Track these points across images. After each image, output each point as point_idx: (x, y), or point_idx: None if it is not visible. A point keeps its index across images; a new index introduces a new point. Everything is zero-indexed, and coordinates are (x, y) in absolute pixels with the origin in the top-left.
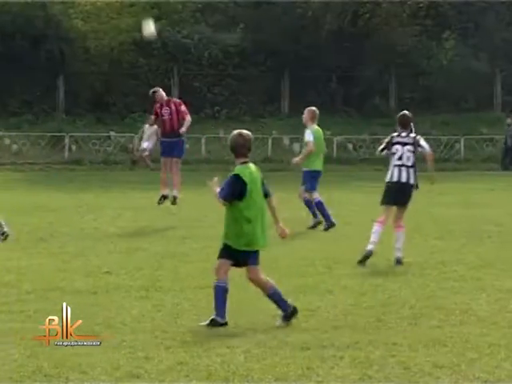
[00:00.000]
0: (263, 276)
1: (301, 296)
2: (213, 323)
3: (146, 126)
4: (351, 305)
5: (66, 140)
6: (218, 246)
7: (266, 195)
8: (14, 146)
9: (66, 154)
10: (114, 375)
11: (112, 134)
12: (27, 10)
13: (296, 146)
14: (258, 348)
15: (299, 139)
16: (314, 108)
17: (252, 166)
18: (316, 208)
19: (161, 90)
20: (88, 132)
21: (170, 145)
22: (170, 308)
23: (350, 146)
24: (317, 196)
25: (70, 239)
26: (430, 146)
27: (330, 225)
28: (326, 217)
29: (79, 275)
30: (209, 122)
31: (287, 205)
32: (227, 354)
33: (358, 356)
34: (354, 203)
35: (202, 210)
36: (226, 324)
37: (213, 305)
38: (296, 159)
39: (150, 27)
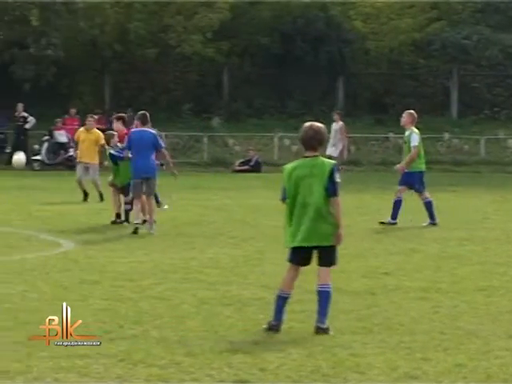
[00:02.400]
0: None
1: None
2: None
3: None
4: None
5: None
6: (497, 249)
7: (329, 195)
8: (294, 147)
9: (345, 154)
10: (391, 376)
11: (391, 135)
12: (308, 12)
13: None
14: None
15: None
16: (413, 111)
17: (314, 160)
18: (426, 207)
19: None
20: (367, 133)
21: None
22: (448, 310)
23: None
24: (427, 196)
25: (350, 240)
26: None
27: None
28: (431, 216)
29: (358, 275)
30: (488, 123)
31: None
32: (506, 357)
33: None
34: None
35: (482, 211)
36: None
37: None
38: (398, 166)
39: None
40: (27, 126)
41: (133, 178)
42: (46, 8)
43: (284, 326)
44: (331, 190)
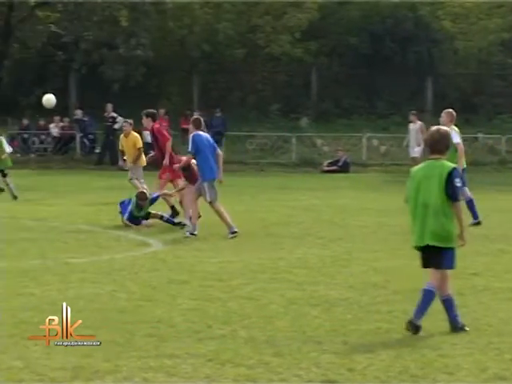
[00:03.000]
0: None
1: None
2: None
3: (411, 125)
4: None
5: None
6: None
7: (451, 199)
8: (382, 148)
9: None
10: (480, 377)
11: (480, 135)
12: (397, 12)
13: None
14: None
15: None
16: (451, 110)
17: (436, 162)
18: (468, 205)
19: None
20: None
21: None
22: None
23: None
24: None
25: None
26: None
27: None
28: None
29: None
30: None
31: None
32: None
33: None
34: None
35: None
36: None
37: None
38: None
39: (50, 101)
40: (116, 126)
41: (209, 180)
42: (135, 8)
43: (371, 327)
44: (452, 194)
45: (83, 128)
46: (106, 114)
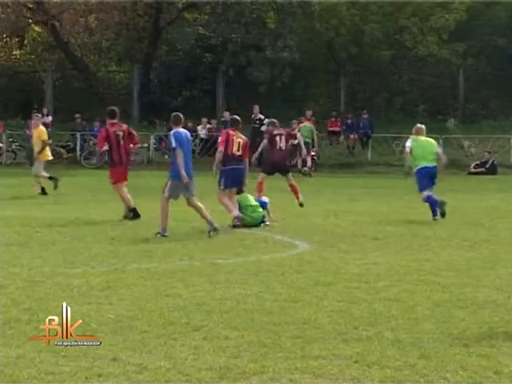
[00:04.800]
0: None
1: None
2: None
3: None
4: None
5: None
6: None
7: None
8: None
9: None
10: None
11: None
12: None
13: None
14: None
15: None
16: (417, 125)
17: None
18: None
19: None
20: None
21: None
22: None
23: None
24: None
25: None
26: None
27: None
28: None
29: None
30: None
31: None
32: None
33: None
34: None
35: None
36: None
37: None
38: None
39: None
40: (263, 128)
41: (178, 179)
42: (282, 10)
43: None
44: None
45: None
46: (253, 116)
